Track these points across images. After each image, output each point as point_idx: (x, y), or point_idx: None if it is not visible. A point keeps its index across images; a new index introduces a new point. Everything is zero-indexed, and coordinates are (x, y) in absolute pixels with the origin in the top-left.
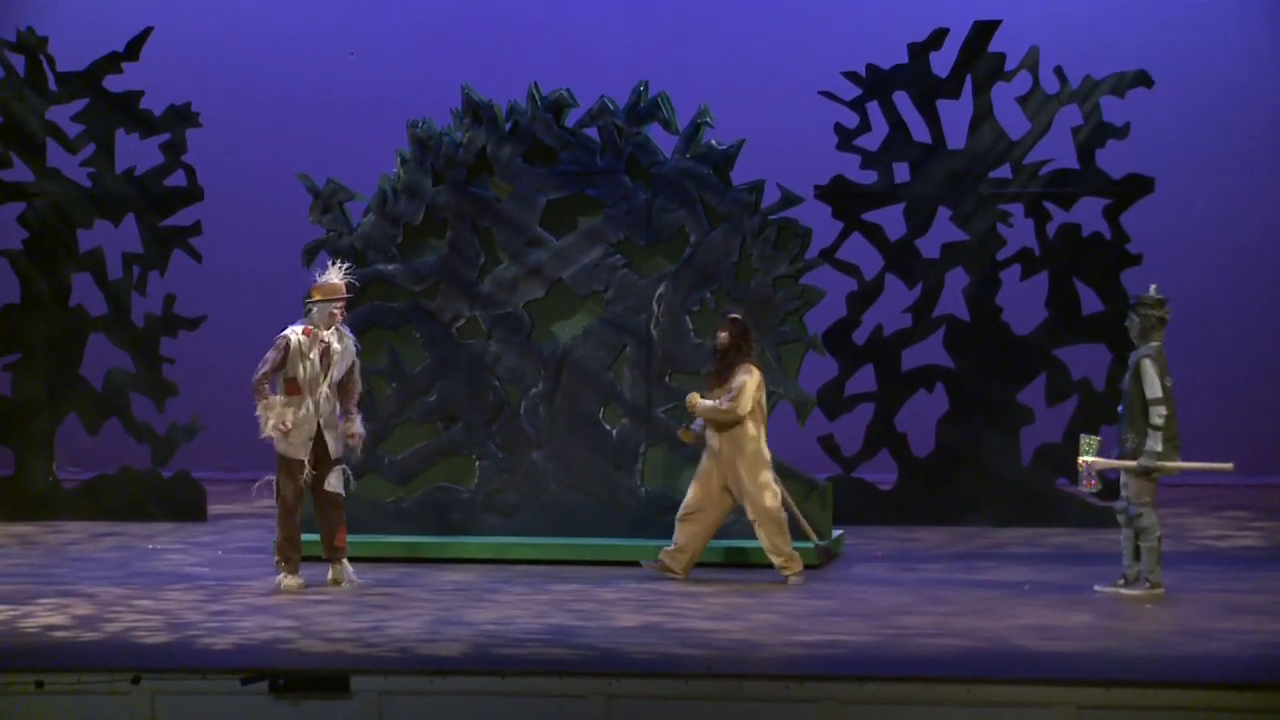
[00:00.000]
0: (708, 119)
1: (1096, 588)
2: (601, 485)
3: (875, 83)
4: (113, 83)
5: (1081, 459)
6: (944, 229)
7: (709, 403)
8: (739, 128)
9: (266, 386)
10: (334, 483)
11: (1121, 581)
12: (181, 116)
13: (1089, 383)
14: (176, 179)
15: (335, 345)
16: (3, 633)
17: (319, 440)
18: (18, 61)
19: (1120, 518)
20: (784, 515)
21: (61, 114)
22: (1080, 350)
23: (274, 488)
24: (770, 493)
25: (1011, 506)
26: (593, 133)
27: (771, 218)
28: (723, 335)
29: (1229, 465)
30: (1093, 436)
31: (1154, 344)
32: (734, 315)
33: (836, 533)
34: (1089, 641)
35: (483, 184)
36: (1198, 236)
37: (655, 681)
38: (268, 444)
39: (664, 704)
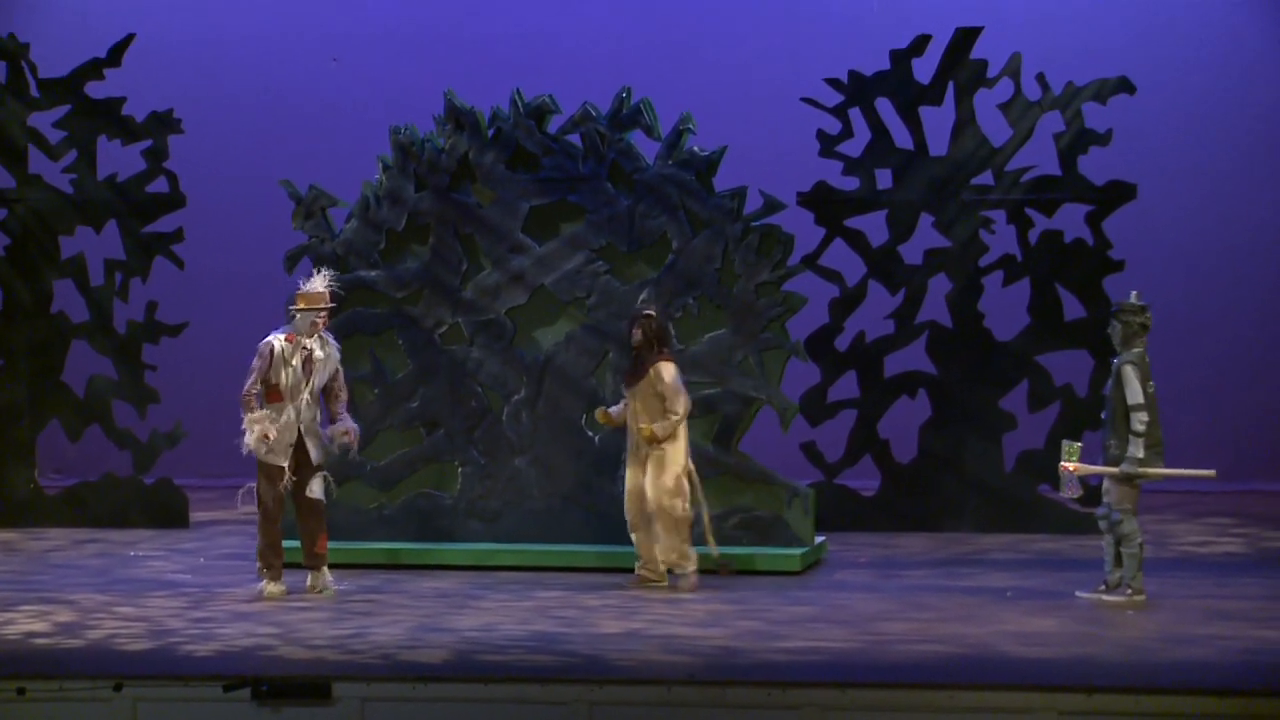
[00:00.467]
0: (690, 125)
1: (1078, 594)
2: (584, 491)
3: (857, 89)
4: (95, 89)
5: (1063, 465)
6: (926, 235)
7: (661, 426)
8: (721, 134)
9: (254, 399)
10: (316, 489)
11: (1103, 588)
12: (163, 123)
13: (1071, 389)
14: (158, 185)
15: (318, 352)
16: None
17: (300, 447)
18: (0, 68)
19: (1101, 524)
20: (687, 516)
21: (43, 120)
22: (1062, 356)
23: (254, 494)
24: (676, 491)
25: (994, 512)
26: (575, 139)
27: (754, 224)
28: (636, 333)
29: (1211, 472)
30: (1074, 443)
31: (1135, 350)
32: (647, 312)
33: (819, 539)
34: (1071, 647)
35: (465, 190)
36: (1180, 243)
37: (638, 688)
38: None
39: (647, 711)
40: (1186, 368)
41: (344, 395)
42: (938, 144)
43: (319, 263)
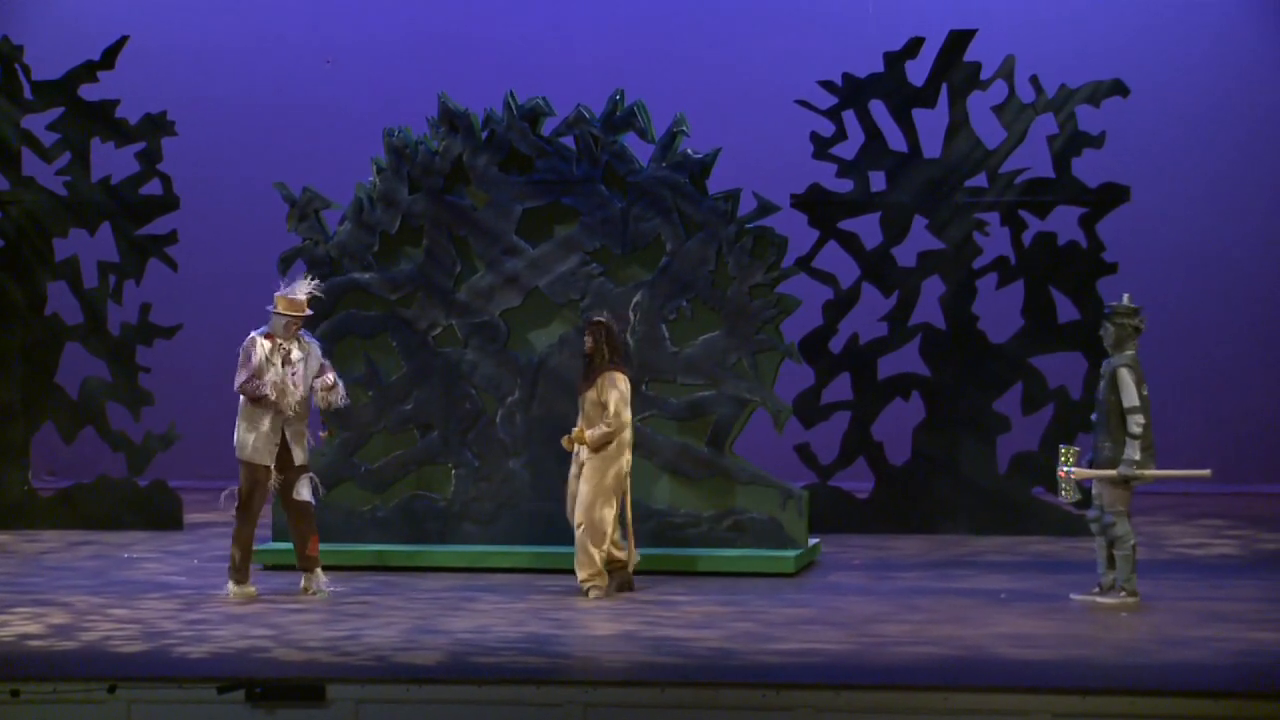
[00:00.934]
0: (684, 128)
1: (1073, 596)
2: None
3: (851, 91)
4: (88, 91)
5: (1061, 470)
6: (920, 238)
7: (594, 432)
8: (715, 136)
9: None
10: (304, 492)
11: (1097, 590)
12: (157, 125)
13: (1065, 391)
14: (152, 187)
15: (295, 352)
16: None
17: (284, 449)
18: None
19: (1093, 526)
20: (609, 529)
21: (37, 122)
22: (1056, 358)
23: (236, 497)
24: (605, 502)
25: (988, 515)
26: (569, 141)
27: (748, 226)
28: (587, 340)
29: (1207, 472)
30: (1071, 447)
31: (1129, 353)
32: (598, 319)
33: (813, 541)
34: (1065, 650)
35: (459, 192)
36: (1173, 245)
37: (632, 690)
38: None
39: (641, 712)
40: (1181, 370)
41: (331, 375)
42: (931, 146)
43: (313, 265)
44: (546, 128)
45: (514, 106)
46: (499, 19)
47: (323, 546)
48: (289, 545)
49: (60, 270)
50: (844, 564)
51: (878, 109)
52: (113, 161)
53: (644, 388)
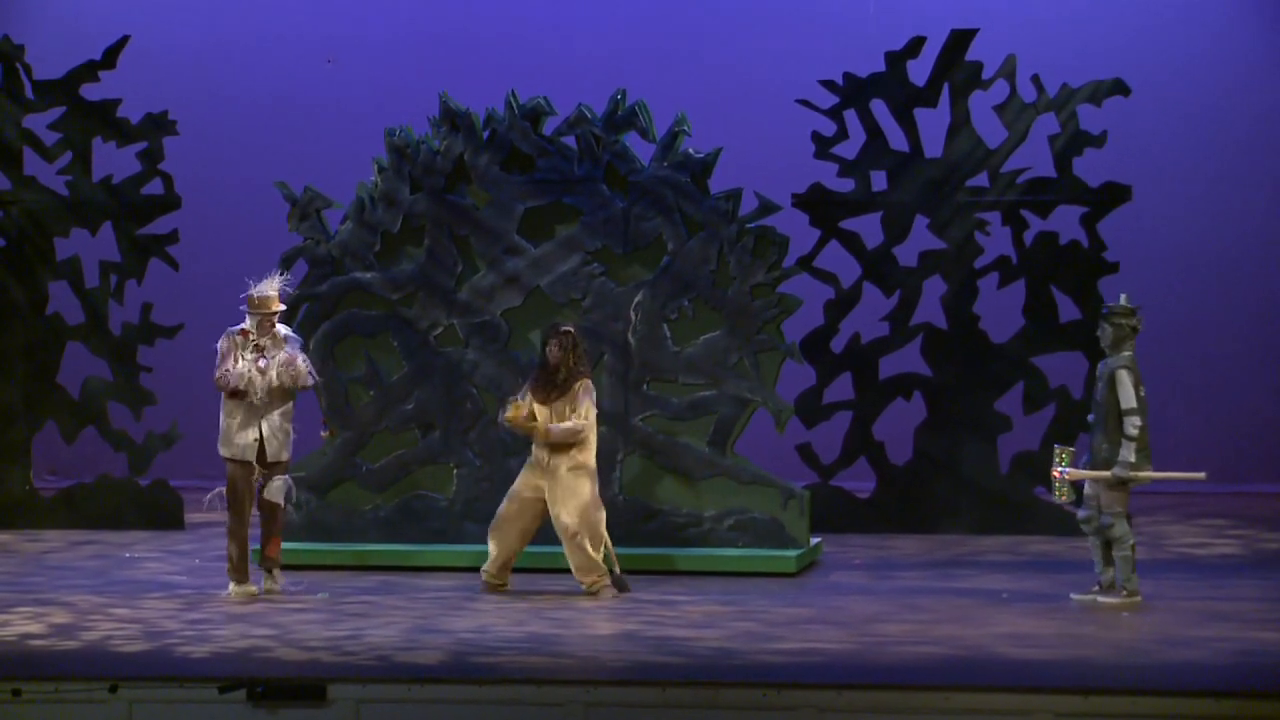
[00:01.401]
0: (685, 127)
1: (1072, 596)
2: None
3: (852, 91)
4: (90, 91)
5: (1055, 470)
6: (921, 237)
7: (564, 426)
8: (716, 136)
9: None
10: (273, 492)
11: (1097, 589)
12: (158, 125)
13: (1066, 390)
14: (153, 187)
15: (271, 347)
16: None
17: (261, 446)
18: None
19: (1084, 526)
20: (603, 530)
21: (38, 122)
22: (1057, 358)
23: (224, 499)
24: (596, 506)
25: (989, 514)
26: (570, 141)
27: (749, 226)
28: (554, 349)
29: (1201, 474)
30: (1066, 448)
31: (1126, 354)
32: (565, 328)
33: (814, 541)
34: (1067, 649)
35: (460, 192)
36: (1175, 245)
37: (633, 690)
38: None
39: (642, 712)
40: (1182, 369)
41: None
42: (933, 146)
43: (314, 264)
44: (548, 127)
45: (515, 106)
46: (500, 18)
47: (324, 546)
48: (289, 545)
49: (61, 270)
50: (845, 564)
51: (879, 108)
52: (114, 161)
53: (645, 387)
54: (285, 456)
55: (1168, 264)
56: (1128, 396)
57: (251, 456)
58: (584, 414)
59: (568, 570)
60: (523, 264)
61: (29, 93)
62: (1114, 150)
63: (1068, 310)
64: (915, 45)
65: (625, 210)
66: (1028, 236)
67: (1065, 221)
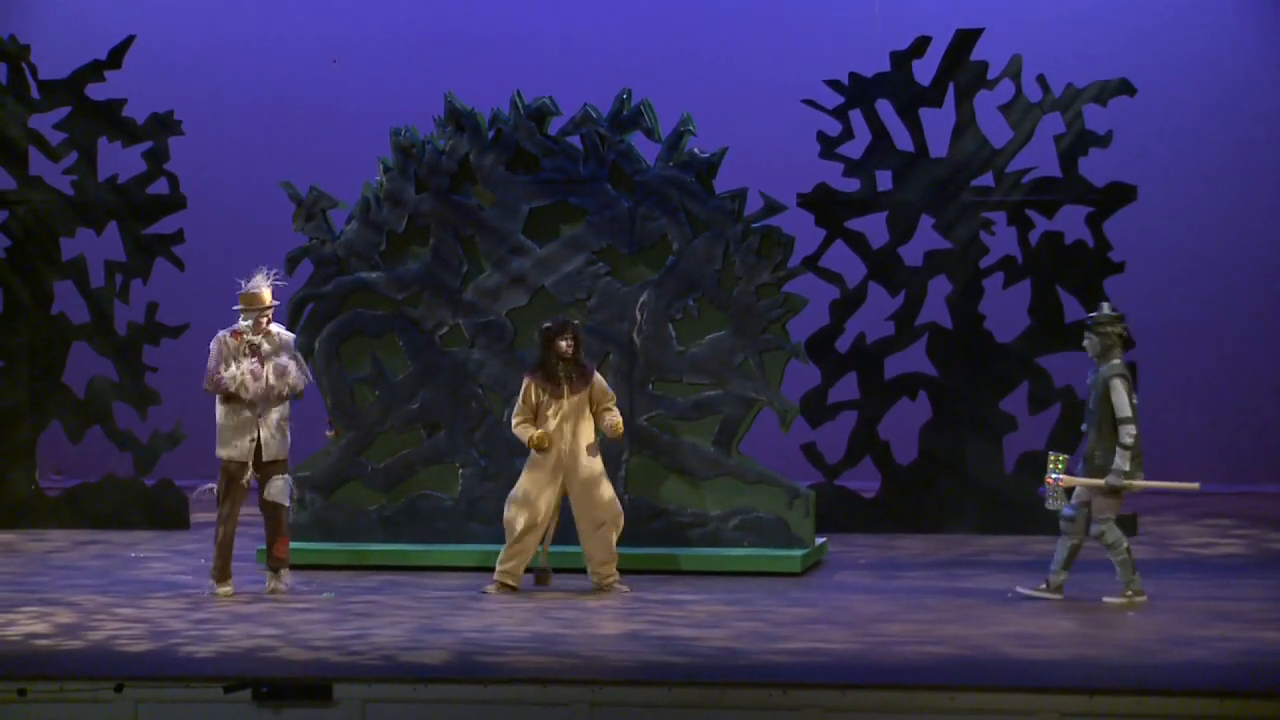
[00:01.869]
0: (690, 127)
1: (1017, 589)
2: None
3: (858, 91)
4: (95, 91)
5: (1049, 477)
6: (927, 237)
7: (619, 418)
8: (722, 136)
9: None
10: (275, 492)
11: (1044, 586)
12: (164, 124)
13: (1071, 390)
14: (159, 187)
15: (265, 346)
16: None
17: (258, 448)
18: (0, 69)
19: (1064, 524)
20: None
21: (44, 122)
22: (1062, 358)
23: (215, 495)
24: (613, 495)
25: (994, 514)
26: (576, 141)
27: (754, 226)
28: (567, 343)
29: (1195, 485)
30: (1061, 455)
31: (1117, 362)
32: (575, 321)
33: (820, 540)
34: (1071, 649)
35: (466, 192)
36: (1180, 244)
37: (638, 689)
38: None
39: (647, 712)
40: (1187, 369)
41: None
42: (938, 145)
43: (320, 264)
44: (553, 127)
45: (521, 106)
46: (505, 18)
47: (329, 545)
48: (294, 545)
49: (67, 270)
50: (850, 563)
51: (884, 108)
52: (119, 161)
53: (650, 387)
54: (283, 456)
55: (1173, 264)
56: (1122, 405)
57: (246, 457)
58: (614, 397)
59: (571, 570)
60: (528, 264)
61: (34, 93)
62: (1119, 150)
63: (1073, 310)
64: (920, 45)
65: (630, 210)
66: (1033, 236)
67: (1071, 221)
